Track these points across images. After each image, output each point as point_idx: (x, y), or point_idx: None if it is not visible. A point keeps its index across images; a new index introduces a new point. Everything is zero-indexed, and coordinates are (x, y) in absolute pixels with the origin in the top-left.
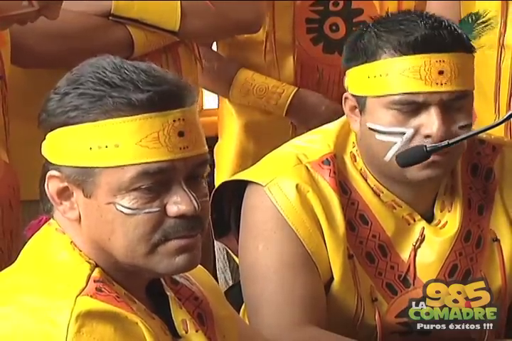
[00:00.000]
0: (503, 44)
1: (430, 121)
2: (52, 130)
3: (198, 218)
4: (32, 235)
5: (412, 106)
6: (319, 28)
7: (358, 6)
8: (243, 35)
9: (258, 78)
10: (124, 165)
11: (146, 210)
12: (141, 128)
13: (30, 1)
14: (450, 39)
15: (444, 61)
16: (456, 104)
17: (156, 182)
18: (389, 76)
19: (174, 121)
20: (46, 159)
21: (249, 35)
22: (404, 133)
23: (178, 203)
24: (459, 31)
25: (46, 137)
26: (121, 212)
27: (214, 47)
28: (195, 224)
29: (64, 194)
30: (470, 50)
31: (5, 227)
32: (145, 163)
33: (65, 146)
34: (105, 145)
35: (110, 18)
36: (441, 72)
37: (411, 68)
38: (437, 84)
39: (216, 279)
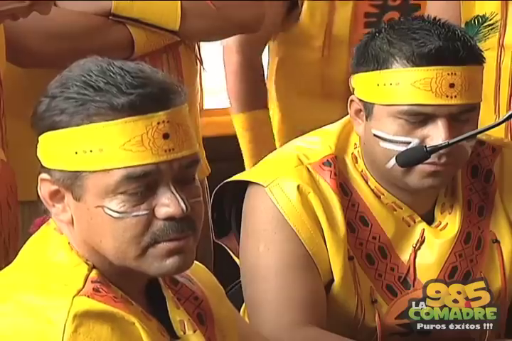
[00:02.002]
0: (502, 44)
1: (437, 133)
2: (42, 133)
3: (189, 219)
4: None
5: (419, 117)
6: (377, 23)
7: (416, 1)
8: (296, 30)
9: None
10: (109, 169)
11: (134, 213)
12: (124, 132)
13: None
14: (464, 52)
15: (455, 74)
16: (463, 117)
17: (142, 185)
18: (399, 86)
19: (158, 123)
20: (40, 161)
21: (302, 30)
22: (409, 143)
23: (166, 205)
24: (472, 42)
25: (38, 140)
26: (110, 215)
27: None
28: (185, 226)
29: (56, 196)
30: (481, 62)
31: (3, 226)
32: (129, 166)
33: (53, 150)
34: (90, 150)
35: (110, 17)
36: (452, 85)
37: (422, 80)
38: (447, 97)
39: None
